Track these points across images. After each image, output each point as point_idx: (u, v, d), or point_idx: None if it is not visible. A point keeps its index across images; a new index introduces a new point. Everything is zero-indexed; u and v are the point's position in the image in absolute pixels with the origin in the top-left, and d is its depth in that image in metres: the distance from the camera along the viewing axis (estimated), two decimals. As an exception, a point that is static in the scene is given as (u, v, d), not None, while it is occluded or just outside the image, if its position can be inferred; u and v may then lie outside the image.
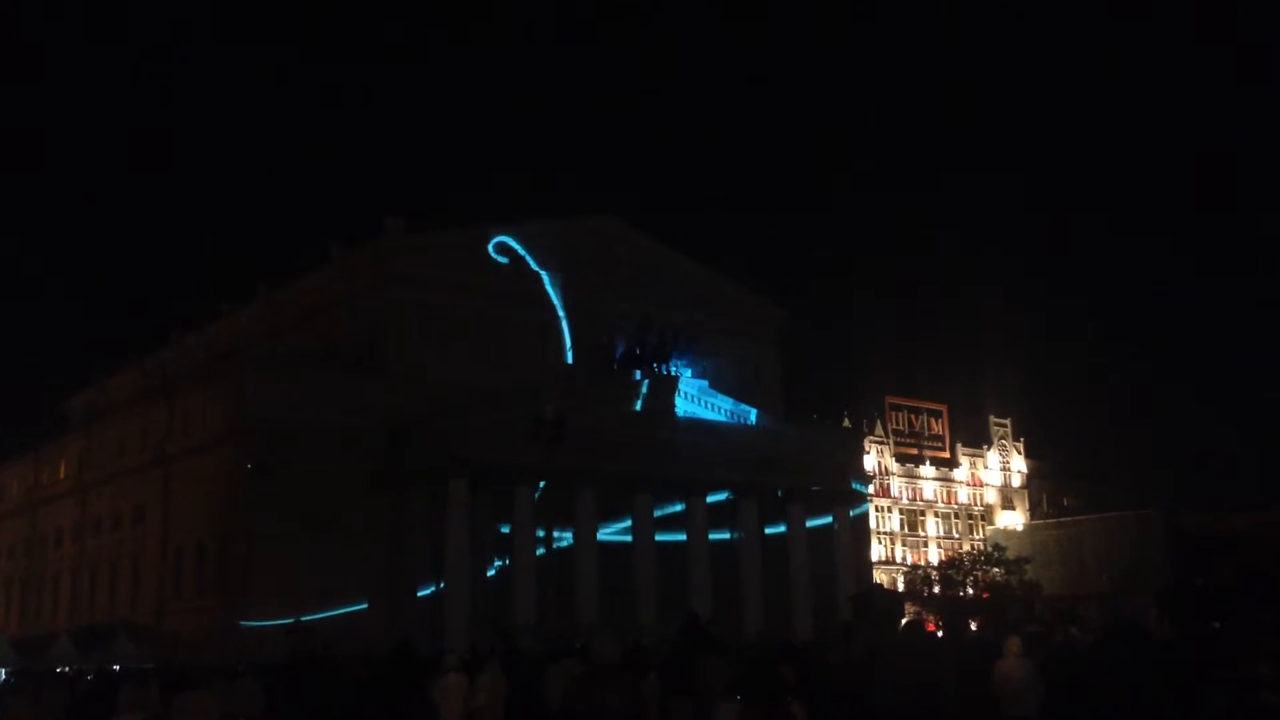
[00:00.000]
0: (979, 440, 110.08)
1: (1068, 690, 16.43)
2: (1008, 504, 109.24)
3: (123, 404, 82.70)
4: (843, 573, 71.50)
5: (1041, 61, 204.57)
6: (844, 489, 74.93)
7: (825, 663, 16.37)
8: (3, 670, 48.57)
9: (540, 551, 63.75)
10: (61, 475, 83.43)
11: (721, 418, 69.79)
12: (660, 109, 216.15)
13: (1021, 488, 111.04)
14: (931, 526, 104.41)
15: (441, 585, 60.12)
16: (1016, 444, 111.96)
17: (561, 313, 72.59)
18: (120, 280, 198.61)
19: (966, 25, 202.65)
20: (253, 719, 8.64)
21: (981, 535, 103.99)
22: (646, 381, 67.36)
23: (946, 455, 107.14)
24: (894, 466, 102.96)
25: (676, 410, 67.33)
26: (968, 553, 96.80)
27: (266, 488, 59.92)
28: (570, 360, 71.77)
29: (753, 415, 70.80)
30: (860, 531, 79.61)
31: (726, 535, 68.72)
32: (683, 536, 66.73)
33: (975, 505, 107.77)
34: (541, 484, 61.38)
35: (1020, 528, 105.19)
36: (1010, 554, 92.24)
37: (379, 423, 62.71)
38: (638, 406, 65.98)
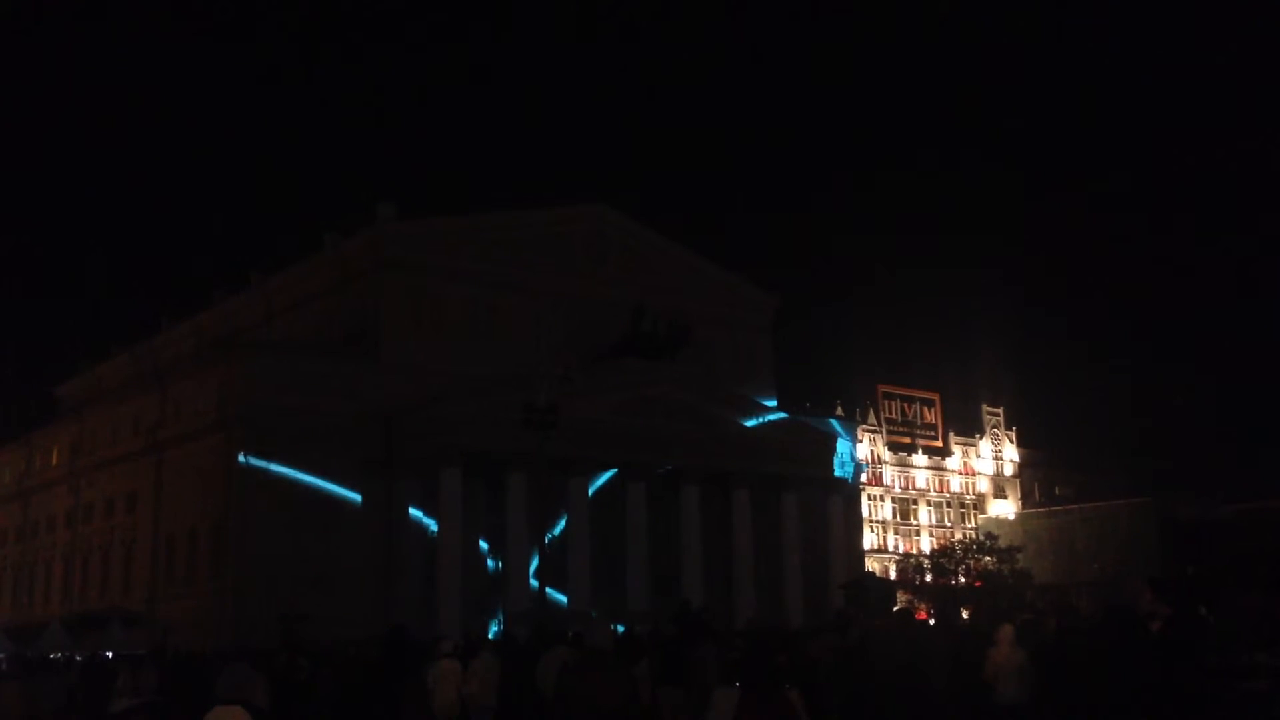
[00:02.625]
0: (971, 429, 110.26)
1: (1059, 678, 16.49)
2: (1000, 493, 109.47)
3: (115, 390, 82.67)
4: (835, 561, 71.75)
5: (1040, 52, 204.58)
6: (836, 477, 75.13)
7: (820, 649, 16.42)
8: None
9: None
10: (54, 462, 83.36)
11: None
12: (654, 97, 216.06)
13: (1014, 476, 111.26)
14: (924, 515, 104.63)
15: (434, 572, 60.18)
16: (1009, 433, 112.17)
17: (554, 300, 72.51)
18: (113, 267, 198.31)
19: (965, 17, 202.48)
20: (253, 705, 8.63)
21: (973, 524, 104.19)
22: (639, 369, 67.38)
23: (939, 444, 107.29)
24: (886, 455, 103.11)
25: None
26: (960, 541, 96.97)
27: (259, 474, 59.98)
28: (563, 348, 71.74)
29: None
30: (852, 519, 79.79)
31: (719, 522, 68.82)
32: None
33: (967, 494, 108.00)
34: (534, 472, 61.49)
35: (1012, 516, 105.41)
36: (1002, 543, 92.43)
37: (372, 410, 62.73)
38: (630, 394, 65.99)
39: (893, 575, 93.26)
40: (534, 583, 61.16)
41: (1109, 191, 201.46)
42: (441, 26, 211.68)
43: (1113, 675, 10.61)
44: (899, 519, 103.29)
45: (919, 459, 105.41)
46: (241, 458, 60.48)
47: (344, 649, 25.05)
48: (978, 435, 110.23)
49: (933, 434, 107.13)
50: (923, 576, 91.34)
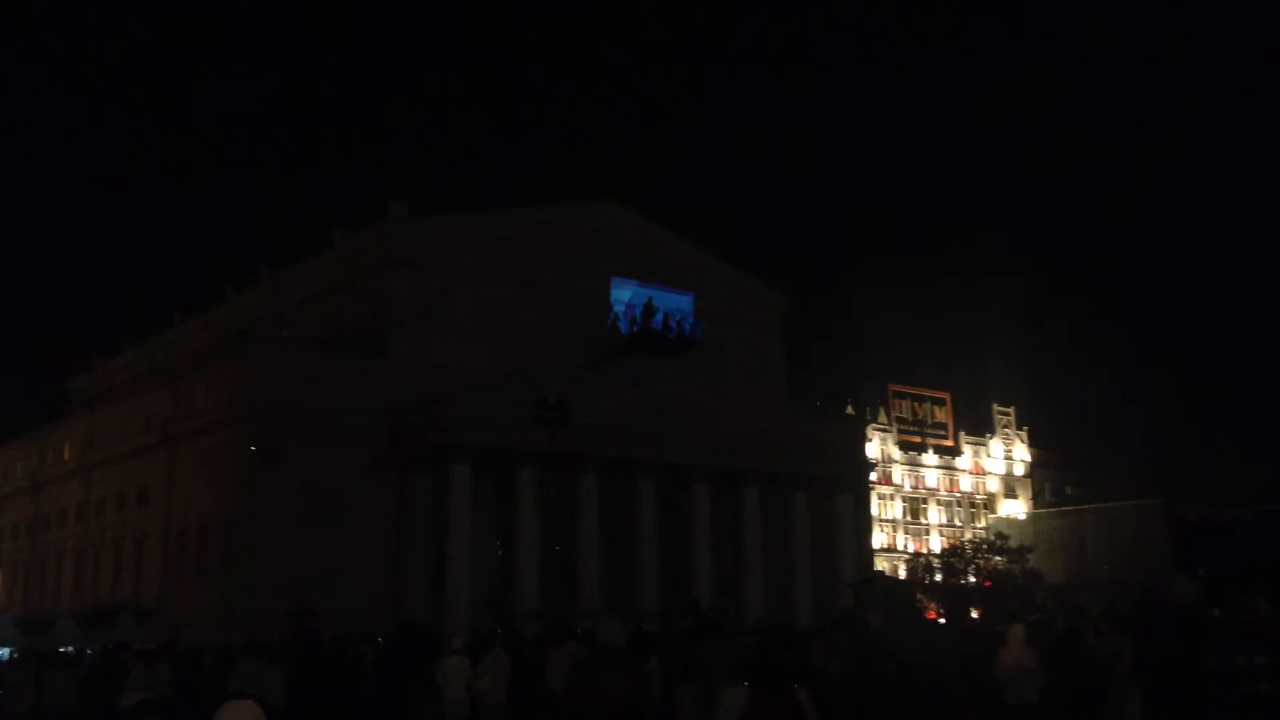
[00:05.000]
0: (982, 428, 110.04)
1: (1068, 678, 16.48)
2: (1010, 492, 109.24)
3: (127, 385, 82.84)
4: (844, 559, 71.64)
5: (1044, 63, 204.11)
6: (846, 476, 74.99)
7: (828, 650, 16.42)
8: (6, 650, 48.65)
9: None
10: (66, 456, 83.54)
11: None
12: (666, 96, 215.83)
13: (1024, 476, 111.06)
14: (934, 514, 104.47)
15: (443, 568, 60.22)
16: (1020, 432, 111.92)
17: (564, 298, 72.48)
18: (124, 262, 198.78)
19: (973, 25, 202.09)
20: (265, 700, 8.69)
21: (984, 524, 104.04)
22: (649, 367, 67.34)
23: (949, 443, 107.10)
24: (897, 454, 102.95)
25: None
26: (970, 541, 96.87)
27: (269, 470, 60.08)
28: (573, 345, 71.73)
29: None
30: (862, 518, 79.66)
31: (728, 520, 68.78)
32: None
33: (978, 493, 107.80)
34: (543, 469, 61.50)
35: (1022, 516, 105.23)
36: (1012, 543, 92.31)
37: (382, 406, 62.79)
38: (640, 392, 65.99)
39: (902, 574, 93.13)
40: (543, 580, 61.21)
41: (1117, 193, 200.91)
42: (452, 23, 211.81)
43: (1167, 671, 10.48)
44: (909, 518, 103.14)
45: (929, 458, 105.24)
46: (252, 452, 60.59)
47: (345, 645, 24.87)
48: (988, 435, 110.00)
49: (943, 433, 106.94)
50: (932, 576, 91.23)
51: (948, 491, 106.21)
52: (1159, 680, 10.45)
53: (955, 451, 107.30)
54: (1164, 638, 10.40)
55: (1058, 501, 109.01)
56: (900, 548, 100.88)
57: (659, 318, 71.09)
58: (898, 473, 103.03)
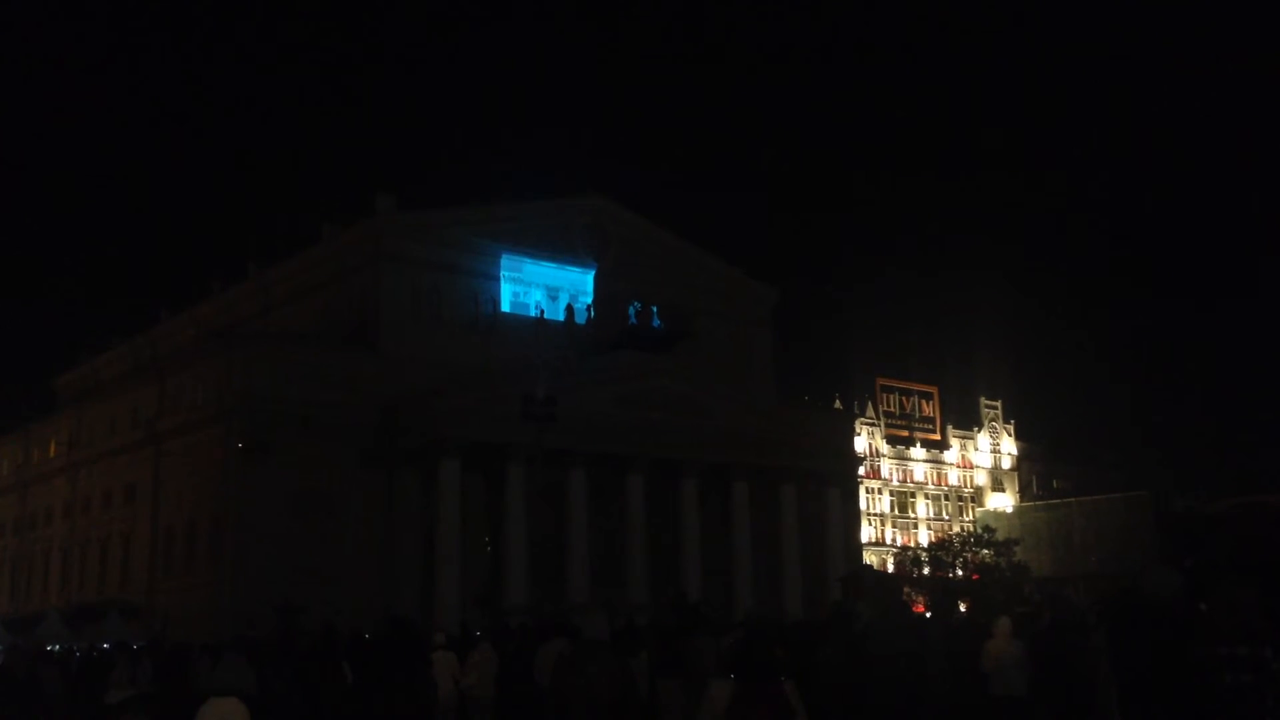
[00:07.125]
0: (969, 422, 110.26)
1: (1053, 670, 16.51)
2: (998, 486, 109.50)
3: (113, 382, 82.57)
4: (833, 553, 71.74)
5: (1035, 52, 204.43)
6: (835, 470, 75.08)
7: (819, 643, 16.44)
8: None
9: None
10: (52, 453, 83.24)
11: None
12: (655, 90, 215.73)
13: (1011, 470, 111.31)
14: (921, 508, 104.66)
15: (433, 564, 60.19)
16: (1007, 426, 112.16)
17: (553, 292, 72.40)
18: (111, 258, 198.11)
19: (967, 18, 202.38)
20: (246, 696, 8.68)
21: (971, 517, 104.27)
22: (637, 362, 67.33)
23: (937, 437, 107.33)
24: (885, 448, 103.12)
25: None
26: (957, 534, 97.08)
27: (257, 466, 59.96)
28: (562, 340, 71.66)
29: None
30: (850, 512, 79.77)
31: (717, 515, 68.80)
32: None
33: (965, 487, 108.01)
34: (532, 464, 61.47)
35: (1010, 509, 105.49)
36: (1000, 536, 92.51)
37: (370, 401, 62.70)
38: (628, 387, 65.97)
39: (890, 568, 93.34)
40: (532, 575, 61.22)
41: (1109, 187, 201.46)
42: (443, 17, 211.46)
43: (1141, 665, 10.51)
44: (897, 512, 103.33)
45: (917, 452, 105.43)
46: (240, 449, 60.46)
47: (320, 640, 24.68)
48: (976, 428, 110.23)
49: (931, 427, 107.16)
50: (920, 570, 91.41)
51: (935, 485, 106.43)
52: (1136, 672, 10.48)
53: (943, 445, 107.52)
54: (1145, 630, 10.42)
55: (1045, 494, 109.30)
56: (888, 541, 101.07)
57: (647, 312, 70.94)
58: (885, 467, 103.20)
